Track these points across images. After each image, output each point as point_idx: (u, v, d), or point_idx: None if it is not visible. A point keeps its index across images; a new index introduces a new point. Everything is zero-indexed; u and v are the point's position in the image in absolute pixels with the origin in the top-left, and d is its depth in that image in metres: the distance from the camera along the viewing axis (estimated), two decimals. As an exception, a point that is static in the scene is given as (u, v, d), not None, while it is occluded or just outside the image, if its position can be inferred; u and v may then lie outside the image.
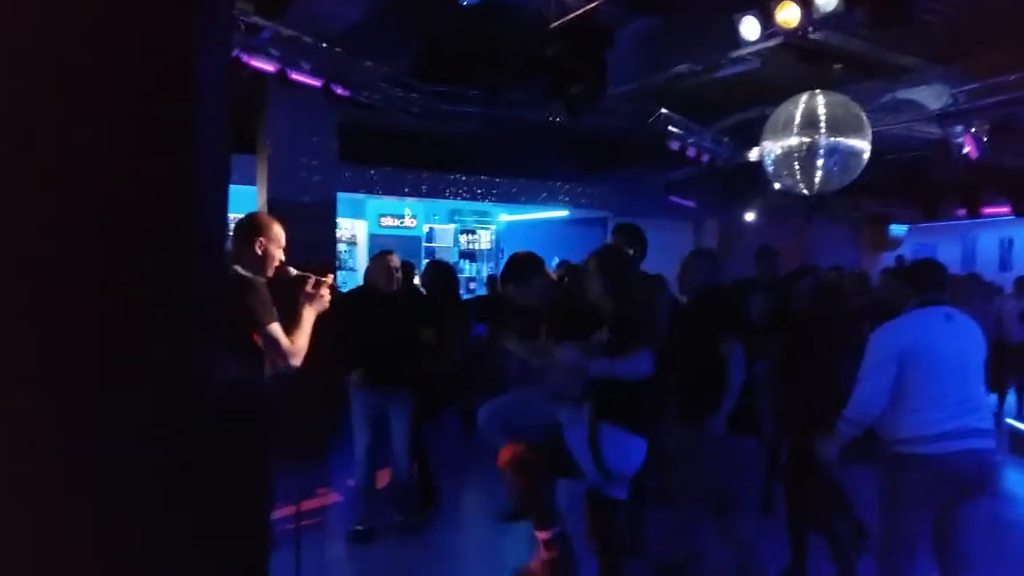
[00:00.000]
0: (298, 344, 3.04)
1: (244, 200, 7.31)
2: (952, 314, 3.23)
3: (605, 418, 3.17)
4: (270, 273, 3.23)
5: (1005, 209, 12.76)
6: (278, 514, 4.45)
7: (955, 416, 3.04)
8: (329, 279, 3.25)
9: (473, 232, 13.56)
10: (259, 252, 3.13)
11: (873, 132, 7.51)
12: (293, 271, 3.25)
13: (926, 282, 3.33)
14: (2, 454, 1.09)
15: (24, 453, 1.10)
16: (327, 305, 3.22)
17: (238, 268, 3.05)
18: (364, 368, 4.75)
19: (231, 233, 3.21)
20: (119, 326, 1.11)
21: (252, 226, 3.18)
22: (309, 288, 3.17)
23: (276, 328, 2.96)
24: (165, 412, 1.21)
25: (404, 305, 4.98)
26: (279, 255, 3.22)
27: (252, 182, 7.30)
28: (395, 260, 4.97)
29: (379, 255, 5.12)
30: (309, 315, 3.15)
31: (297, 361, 3.03)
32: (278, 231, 3.22)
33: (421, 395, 4.93)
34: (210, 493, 1.30)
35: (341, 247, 12.25)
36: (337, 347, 4.84)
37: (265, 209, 6.70)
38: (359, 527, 4.86)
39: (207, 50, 1.21)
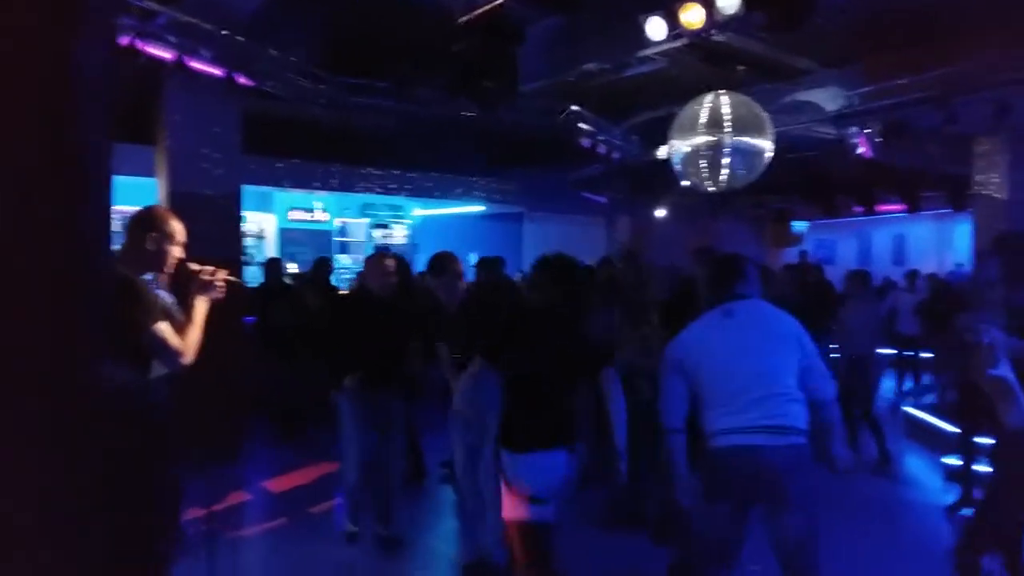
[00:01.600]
0: (189, 340, 2.88)
1: (143, 193, 6.99)
2: (733, 310, 3.14)
3: (505, 444, 3.10)
4: (167, 270, 3.07)
5: (899, 207, 13.51)
6: (190, 516, 4.32)
7: (741, 411, 2.94)
8: (223, 272, 3.10)
9: (387, 227, 13.40)
10: (151, 248, 2.96)
11: (774, 132, 7.80)
12: (194, 266, 3.09)
13: (711, 283, 3.32)
14: None
15: None
16: (221, 296, 3.08)
17: (121, 267, 2.87)
18: (362, 373, 4.49)
19: (123, 228, 3.04)
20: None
21: (144, 220, 2.99)
22: (202, 277, 3.03)
23: (161, 328, 2.79)
24: (51, 417, 1.14)
25: (401, 308, 4.82)
26: (176, 251, 3.03)
27: (151, 174, 6.99)
28: (390, 262, 4.77)
29: (374, 256, 4.94)
30: (201, 307, 2.99)
31: (188, 359, 2.87)
32: (174, 226, 3.03)
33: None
34: (101, 498, 1.24)
35: (248, 241, 11.90)
36: (332, 352, 4.72)
37: (166, 202, 6.42)
38: (354, 528, 4.74)
39: (88, 35, 1.14)
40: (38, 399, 1.14)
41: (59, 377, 1.16)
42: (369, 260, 4.94)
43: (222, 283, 3.06)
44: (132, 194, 9.80)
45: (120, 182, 7.53)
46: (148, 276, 3.01)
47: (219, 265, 3.13)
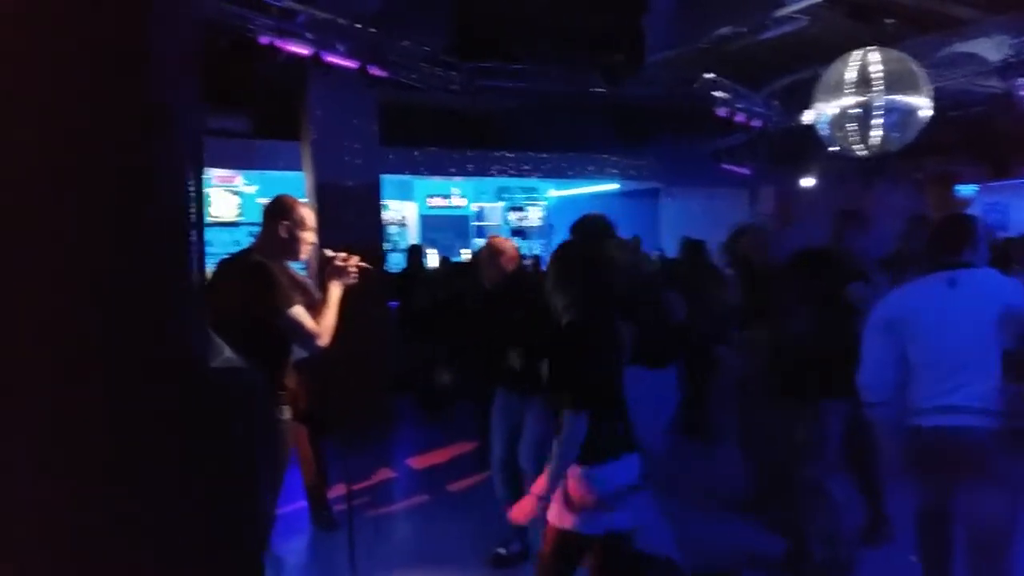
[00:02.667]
0: (324, 324, 3.03)
1: (295, 186, 7.43)
2: (958, 279, 2.88)
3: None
4: (301, 256, 3.25)
5: (1079, 164, 12.09)
6: (335, 493, 4.58)
7: (951, 391, 2.80)
8: (355, 257, 3.23)
9: (522, 209, 13.50)
10: (284, 235, 3.13)
11: (932, 89, 7.16)
12: (328, 252, 3.25)
13: (935, 245, 3.04)
14: (9, 456, 1.10)
15: (33, 453, 1.11)
16: (354, 281, 3.20)
17: (256, 254, 3.06)
18: (510, 369, 3.90)
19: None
20: (90, 323, 1.11)
21: (275, 209, 3.17)
22: (336, 263, 3.17)
23: (296, 311, 2.94)
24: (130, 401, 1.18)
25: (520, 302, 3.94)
26: (308, 237, 3.21)
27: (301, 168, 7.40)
28: (499, 247, 4.08)
29: (487, 242, 4.30)
30: (335, 291, 3.13)
31: (324, 341, 3.02)
32: (304, 213, 3.20)
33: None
34: (213, 483, 1.30)
35: (392, 229, 12.37)
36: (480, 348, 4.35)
37: (312, 194, 6.78)
38: (501, 550, 4.10)
39: (165, 27, 1.19)
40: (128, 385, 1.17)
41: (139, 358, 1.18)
42: (481, 248, 4.44)
43: (355, 268, 3.20)
44: (285, 187, 10.44)
45: (277, 177, 8.04)
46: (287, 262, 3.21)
47: (361, 252, 3.27)
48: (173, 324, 1.24)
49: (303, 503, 4.69)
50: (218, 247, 10.70)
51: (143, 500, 1.20)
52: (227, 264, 3.17)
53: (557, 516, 2.68)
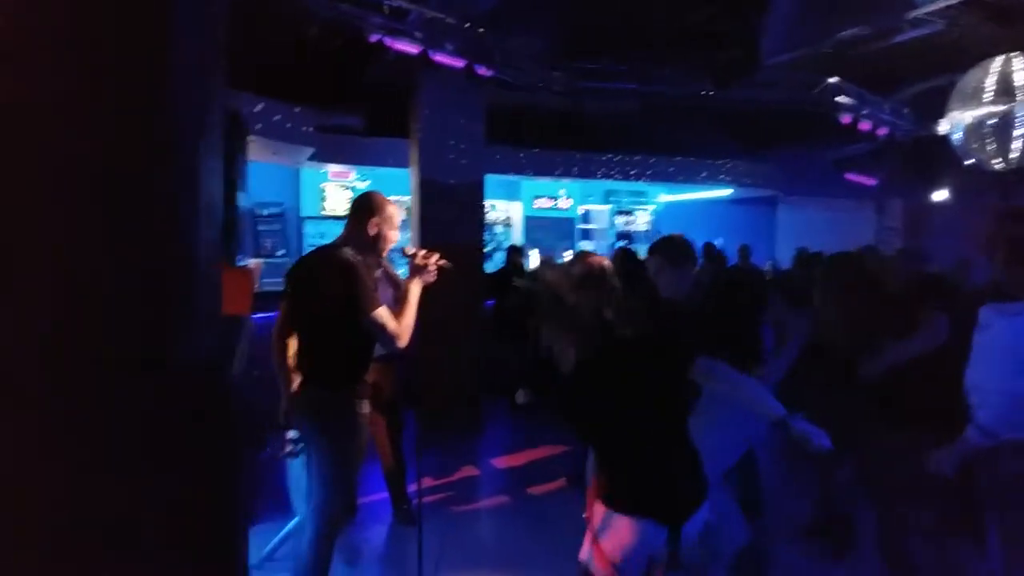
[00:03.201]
0: (404, 323, 3.03)
1: (403, 182, 7.58)
2: None
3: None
4: (384, 253, 3.28)
5: None
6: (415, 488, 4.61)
7: None
8: (435, 256, 3.23)
9: (630, 213, 13.26)
10: (372, 233, 3.16)
11: (1085, 97, 6.51)
12: (409, 250, 3.27)
13: None
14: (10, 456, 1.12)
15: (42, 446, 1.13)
16: (434, 278, 3.20)
17: (347, 250, 3.09)
18: None
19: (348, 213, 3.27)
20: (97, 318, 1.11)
21: (366, 207, 3.19)
22: (416, 262, 3.18)
23: (380, 313, 2.96)
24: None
25: None
26: (394, 235, 3.25)
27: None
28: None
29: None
30: (415, 289, 3.14)
31: (403, 342, 3.03)
32: (392, 211, 3.23)
33: None
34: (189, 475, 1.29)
35: (498, 229, 12.42)
36: None
37: (416, 191, 6.88)
38: None
39: (186, 32, 1.18)
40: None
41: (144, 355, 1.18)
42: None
43: (435, 268, 3.20)
44: (398, 184, 10.70)
45: (388, 173, 8.19)
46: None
47: (461, 251, 3.27)
48: (160, 324, 1.22)
49: (385, 494, 4.75)
50: (329, 239, 11.08)
51: (138, 499, 1.20)
52: (315, 257, 3.21)
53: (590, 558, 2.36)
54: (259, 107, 7.63)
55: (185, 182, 1.19)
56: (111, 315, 1.13)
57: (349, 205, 3.32)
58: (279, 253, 10.38)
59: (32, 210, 1.08)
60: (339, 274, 2.98)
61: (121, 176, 1.13)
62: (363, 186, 11.46)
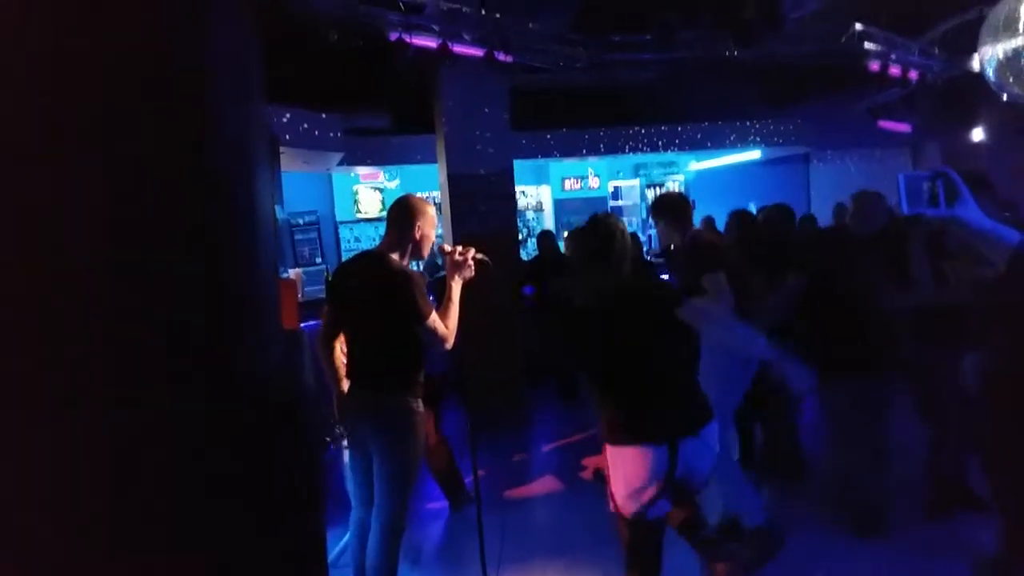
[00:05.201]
0: (450, 324, 3.09)
1: (432, 178, 7.61)
2: None
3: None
4: (425, 254, 3.31)
5: None
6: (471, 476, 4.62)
7: None
8: (471, 250, 3.24)
9: (661, 185, 13.13)
10: (417, 237, 3.18)
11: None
12: (445, 246, 3.31)
13: None
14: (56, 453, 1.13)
15: (71, 451, 1.15)
16: (472, 273, 3.23)
17: (395, 256, 3.12)
18: None
19: (389, 217, 3.29)
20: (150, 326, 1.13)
21: (409, 212, 3.20)
22: (454, 258, 3.20)
23: (433, 319, 3.02)
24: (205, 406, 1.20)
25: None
26: (433, 236, 3.29)
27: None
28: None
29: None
30: (456, 286, 3.18)
31: (451, 344, 3.08)
32: (432, 212, 3.27)
33: None
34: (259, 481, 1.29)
35: (529, 214, 12.41)
36: None
37: (445, 185, 6.89)
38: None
39: (222, 27, 1.19)
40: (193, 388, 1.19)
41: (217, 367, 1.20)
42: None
43: (472, 262, 3.22)
44: (426, 181, 10.71)
45: (416, 170, 8.22)
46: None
47: (494, 241, 3.30)
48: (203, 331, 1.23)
49: (437, 489, 4.79)
50: (364, 242, 11.19)
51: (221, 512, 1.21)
52: (363, 265, 3.24)
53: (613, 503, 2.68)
54: (286, 118, 7.71)
55: (243, 203, 1.21)
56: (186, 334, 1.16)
57: (386, 211, 3.36)
58: (317, 260, 10.52)
59: (104, 255, 1.11)
60: (394, 283, 3.02)
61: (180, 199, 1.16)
62: (393, 185, 11.54)
